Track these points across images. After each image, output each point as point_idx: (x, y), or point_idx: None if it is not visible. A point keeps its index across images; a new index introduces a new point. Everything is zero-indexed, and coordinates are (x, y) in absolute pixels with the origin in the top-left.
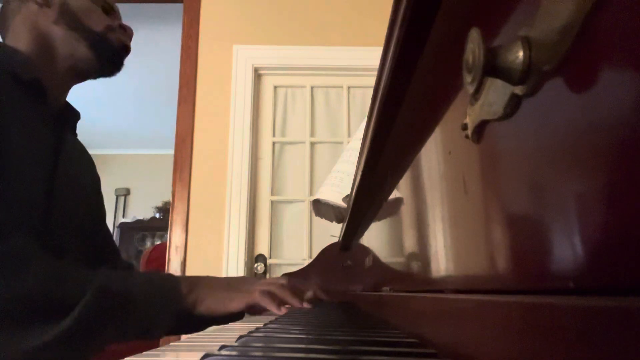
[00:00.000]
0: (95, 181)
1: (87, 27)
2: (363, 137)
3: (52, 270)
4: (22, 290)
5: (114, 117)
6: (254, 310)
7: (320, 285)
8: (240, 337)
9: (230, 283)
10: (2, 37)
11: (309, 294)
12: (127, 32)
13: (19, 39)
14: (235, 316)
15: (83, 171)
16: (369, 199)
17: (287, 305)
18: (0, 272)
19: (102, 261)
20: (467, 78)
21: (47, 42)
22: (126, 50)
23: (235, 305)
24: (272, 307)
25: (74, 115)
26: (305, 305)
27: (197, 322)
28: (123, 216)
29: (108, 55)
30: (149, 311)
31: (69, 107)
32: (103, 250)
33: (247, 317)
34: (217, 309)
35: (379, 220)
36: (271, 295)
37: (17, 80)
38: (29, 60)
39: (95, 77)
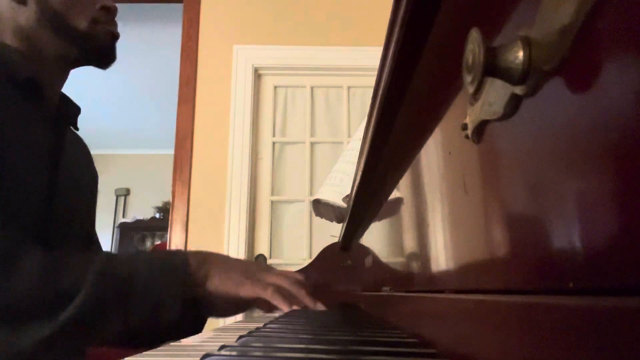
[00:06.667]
0: (93, 175)
1: (71, 27)
2: (363, 137)
3: (47, 262)
4: (14, 289)
5: (114, 117)
6: (262, 304)
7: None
8: (240, 337)
9: (245, 266)
10: None
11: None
12: (112, 15)
13: (5, 36)
14: (244, 306)
15: (82, 166)
16: (369, 199)
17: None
18: None
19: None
20: (467, 78)
21: (33, 41)
22: (115, 38)
23: (246, 291)
24: (284, 306)
25: (74, 109)
26: (319, 306)
27: (205, 310)
28: (123, 216)
29: (97, 51)
30: (156, 289)
31: (68, 101)
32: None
33: (247, 316)
34: (227, 290)
35: (379, 220)
36: (284, 293)
37: (12, 79)
38: (22, 58)
39: (90, 65)
